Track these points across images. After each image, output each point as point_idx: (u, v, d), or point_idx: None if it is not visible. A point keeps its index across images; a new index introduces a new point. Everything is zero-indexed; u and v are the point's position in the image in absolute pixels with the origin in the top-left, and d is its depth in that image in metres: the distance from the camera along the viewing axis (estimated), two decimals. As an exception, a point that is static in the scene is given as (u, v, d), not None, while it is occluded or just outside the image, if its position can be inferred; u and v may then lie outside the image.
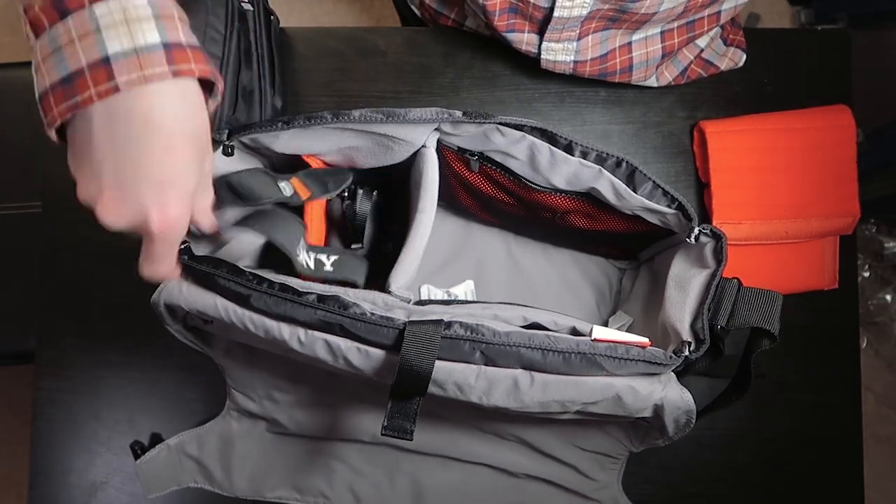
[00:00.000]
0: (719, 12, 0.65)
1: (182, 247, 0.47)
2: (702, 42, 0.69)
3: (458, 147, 0.54)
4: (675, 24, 0.65)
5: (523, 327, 0.47)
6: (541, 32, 0.64)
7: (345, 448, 0.65)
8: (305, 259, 0.52)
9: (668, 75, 0.69)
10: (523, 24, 0.65)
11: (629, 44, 0.65)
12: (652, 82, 0.69)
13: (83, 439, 0.70)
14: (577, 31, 0.63)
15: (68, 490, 0.70)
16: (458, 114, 0.51)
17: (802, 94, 0.72)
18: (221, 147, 0.50)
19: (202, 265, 0.46)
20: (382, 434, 0.44)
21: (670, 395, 0.47)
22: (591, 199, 0.55)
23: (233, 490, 0.65)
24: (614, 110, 0.72)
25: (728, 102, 0.72)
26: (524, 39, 0.66)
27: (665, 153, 0.72)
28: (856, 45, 0.74)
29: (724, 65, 0.70)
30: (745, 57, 0.71)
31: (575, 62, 0.66)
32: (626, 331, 0.58)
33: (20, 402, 1.39)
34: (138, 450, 0.65)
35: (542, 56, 0.66)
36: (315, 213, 0.58)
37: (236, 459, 0.65)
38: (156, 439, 0.69)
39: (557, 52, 0.66)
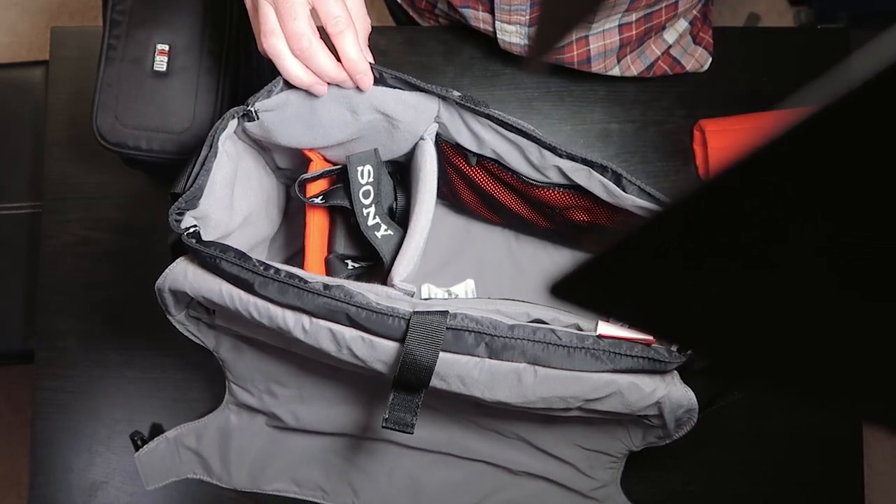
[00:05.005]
0: (676, 3, 0.65)
1: (191, 230, 0.46)
2: (670, 37, 0.70)
3: (457, 143, 0.55)
4: (633, 17, 0.65)
5: (527, 323, 0.47)
6: (493, 12, 0.65)
7: (343, 443, 0.65)
8: (370, 211, 0.53)
9: (633, 69, 0.70)
10: (476, 2, 0.65)
11: (586, 37, 0.66)
12: (615, 72, 0.70)
13: (83, 439, 0.70)
14: (527, 17, 0.64)
15: (68, 490, 0.70)
16: (456, 93, 0.51)
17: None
18: (246, 114, 0.50)
19: (209, 248, 0.45)
20: (383, 427, 0.44)
21: (673, 392, 0.47)
22: (587, 193, 0.55)
23: (231, 482, 0.65)
24: (614, 109, 0.72)
25: (728, 101, 0.72)
26: (479, 17, 0.66)
27: (665, 152, 0.72)
28: (856, 45, 0.74)
29: (689, 65, 0.71)
30: (710, 60, 0.71)
31: (530, 46, 0.67)
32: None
33: (20, 402, 1.39)
34: (138, 440, 0.65)
35: (498, 36, 0.67)
36: (317, 220, 0.58)
37: (234, 452, 0.65)
38: (156, 430, 0.69)
39: (512, 34, 0.66)
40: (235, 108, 0.49)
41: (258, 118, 0.50)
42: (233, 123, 0.49)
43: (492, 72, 0.73)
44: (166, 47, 0.60)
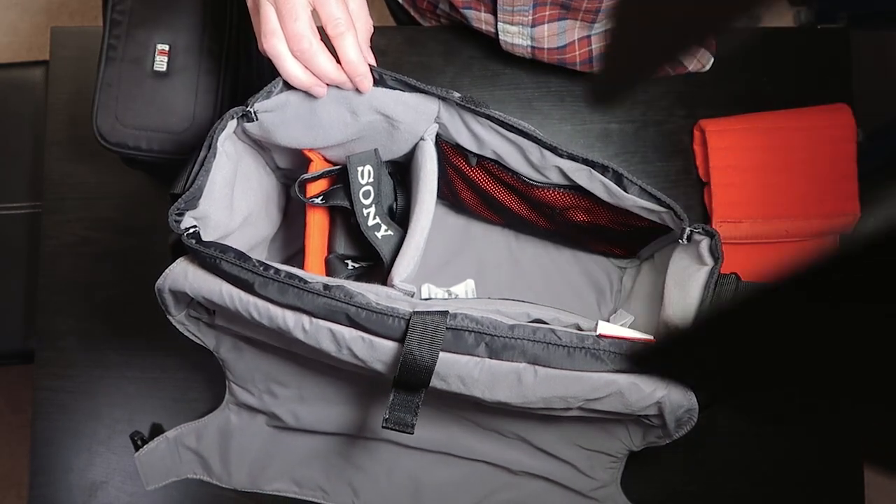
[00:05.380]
0: None
1: (191, 230, 0.47)
2: None
3: (457, 143, 0.55)
4: None
5: (527, 323, 0.47)
6: (495, 13, 0.65)
7: (344, 443, 0.65)
8: (370, 211, 0.54)
9: None
10: (478, 3, 0.65)
11: (588, 37, 0.66)
12: None
13: (83, 439, 0.70)
14: (530, 17, 0.64)
15: (68, 490, 0.70)
16: (456, 94, 0.51)
17: (803, 94, 0.72)
18: (245, 115, 0.50)
19: (209, 249, 0.46)
20: (383, 427, 0.44)
21: (673, 392, 0.47)
22: (588, 194, 0.55)
23: (231, 482, 0.65)
24: (614, 109, 0.72)
25: (728, 101, 0.72)
26: (482, 18, 0.66)
27: (665, 152, 0.72)
28: (856, 45, 0.74)
29: (691, 65, 0.70)
30: (712, 60, 0.71)
31: (533, 48, 0.67)
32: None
33: (20, 402, 1.39)
34: (138, 440, 0.65)
35: (500, 37, 0.67)
36: (317, 220, 0.58)
37: (234, 452, 0.65)
38: (156, 430, 0.69)
39: (514, 35, 0.66)
40: (235, 109, 0.49)
41: (257, 119, 0.50)
42: (232, 124, 0.49)
43: (492, 72, 0.73)
44: (166, 47, 0.60)
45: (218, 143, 0.48)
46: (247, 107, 0.49)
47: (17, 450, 1.37)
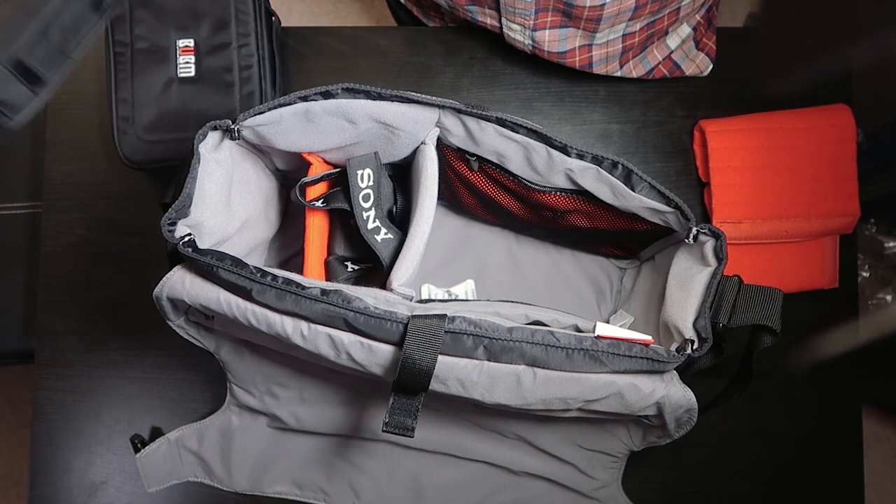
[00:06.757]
0: (678, 9, 0.66)
1: (186, 239, 0.47)
2: (672, 43, 0.70)
3: (458, 147, 0.55)
4: (637, 26, 0.65)
5: (526, 325, 0.47)
6: (498, 10, 0.66)
7: (344, 444, 0.65)
8: (370, 215, 0.54)
9: (635, 73, 0.70)
10: (482, 1, 0.66)
11: (590, 45, 0.66)
12: (618, 74, 0.70)
13: (83, 439, 0.70)
14: (532, 21, 0.64)
15: (68, 490, 0.70)
16: (458, 104, 0.51)
17: (802, 94, 0.72)
18: (230, 133, 0.50)
19: (206, 257, 0.46)
20: (383, 431, 0.44)
21: (672, 392, 0.47)
22: (590, 197, 0.55)
23: (232, 485, 0.66)
24: (614, 109, 0.72)
25: (728, 101, 0.72)
26: (486, 14, 0.67)
27: (665, 152, 0.72)
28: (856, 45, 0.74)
29: (689, 70, 0.71)
30: (711, 66, 0.71)
31: (534, 47, 0.67)
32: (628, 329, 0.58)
33: (20, 402, 1.39)
34: (138, 443, 0.65)
35: (504, 31, 0.67)
36: (317, 222, 0.58)
37: (236, 454, 0.65)
38: (156, 433, 0.69)
39: (517, 33, 0.67)
40: (219, 122, 0.50)
41: (240, 137, 0.51)
42: (214, 135, 0.50)
43: (492, 72, 0.73)
44: (191, 51, 0.62)
45: (204, 150, 0.48)
46: (234, 123, 0.50)
47: (16, 450, 1.37)
